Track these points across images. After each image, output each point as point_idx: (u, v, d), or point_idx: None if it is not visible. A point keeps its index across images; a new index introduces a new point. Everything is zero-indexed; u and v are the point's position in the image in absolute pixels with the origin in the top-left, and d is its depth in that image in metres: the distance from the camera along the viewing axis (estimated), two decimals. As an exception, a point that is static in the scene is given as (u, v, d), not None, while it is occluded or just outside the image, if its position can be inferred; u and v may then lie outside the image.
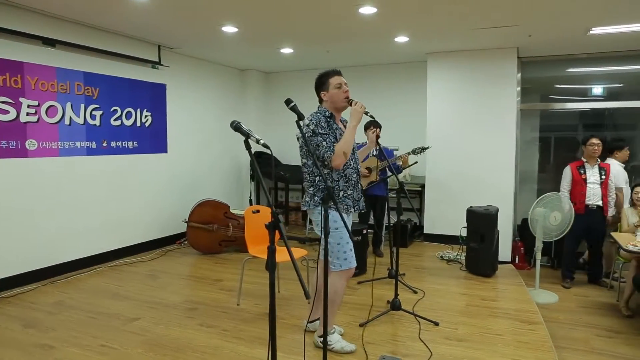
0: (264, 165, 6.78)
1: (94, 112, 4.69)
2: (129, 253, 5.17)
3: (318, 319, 2.98)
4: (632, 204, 4.34)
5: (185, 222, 5.29)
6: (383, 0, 3.71)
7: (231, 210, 5.46)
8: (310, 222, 6.59)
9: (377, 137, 3.31)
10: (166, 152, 5.68)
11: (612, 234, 4.14)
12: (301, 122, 2.32)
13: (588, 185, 4.46)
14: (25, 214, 4.10)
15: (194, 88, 6.16)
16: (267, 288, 1.77)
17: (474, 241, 4.63)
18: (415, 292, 4.00)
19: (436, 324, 3.30)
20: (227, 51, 5.79)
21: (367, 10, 3.94)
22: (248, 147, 1.92)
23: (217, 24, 4.47)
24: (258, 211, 3.84)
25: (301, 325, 3.20)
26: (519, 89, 5.70)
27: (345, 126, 2.91)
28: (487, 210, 4.63)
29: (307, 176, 2.79)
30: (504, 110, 5.50)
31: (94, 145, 4.72)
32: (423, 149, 4.79)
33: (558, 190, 4.57)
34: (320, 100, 2.84)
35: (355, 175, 2.85)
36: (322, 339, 2.37)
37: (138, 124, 5.23)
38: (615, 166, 4.70)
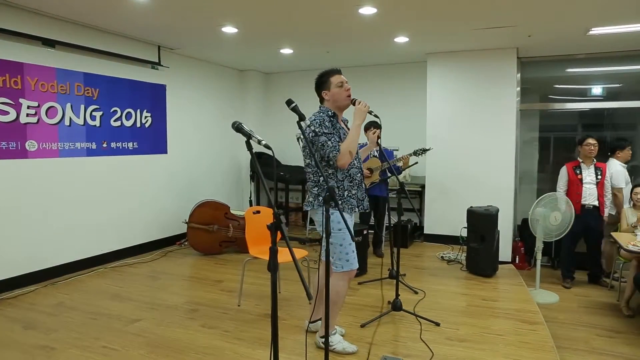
0: (263, 165, 6.78)
1: (94, 113, 4.69)
2: (129, 254, 5.16)
3: (319, 319, 2.98)
4: (633, 204, 4.35)
5: (186, 222, 5.29)
6: (383, 0, 3.71)
7: (231, 211, 5.46)
8: (312, 222, 6.63)
9: (378, 137, 3.32)
10: (166, 152, 5.68)
11: (612, 233, 4.14)
12: (302, 123, 2.31)
13: (584, 185, 4.46)
14: (25, 215, 4.09)
15: (193, 89, 6.16)
16: (267, 289, 1.77)
17: (474, 241, 4.63)
18: (416, 293, 4.00)
19: (437, 324, 3.30)
20: (227, 52, 5.79)
21: (367, 10, 3.94)
22: (250, 147, 1.92)
23: (217, 24, 4.47)
24: (259, 212, 3.83)
25: (302, 326, 3.20)
26: (518, 89, 5.70)
27: (346, 126, 2.91)
28: (487, 210, 4.64)
29: (311, 176, 2.77)
30: (504, 110, 5.50)
31: (94, 146, 4.71)
32: (424, 150, 4.79)
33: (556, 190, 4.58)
34: (322, 100, 2.81)
35: (359, 175, 2.84)
36: (323, 340, 2.37)
37: (138, 124, 5.23)
38: (616, 166, 4.68)
